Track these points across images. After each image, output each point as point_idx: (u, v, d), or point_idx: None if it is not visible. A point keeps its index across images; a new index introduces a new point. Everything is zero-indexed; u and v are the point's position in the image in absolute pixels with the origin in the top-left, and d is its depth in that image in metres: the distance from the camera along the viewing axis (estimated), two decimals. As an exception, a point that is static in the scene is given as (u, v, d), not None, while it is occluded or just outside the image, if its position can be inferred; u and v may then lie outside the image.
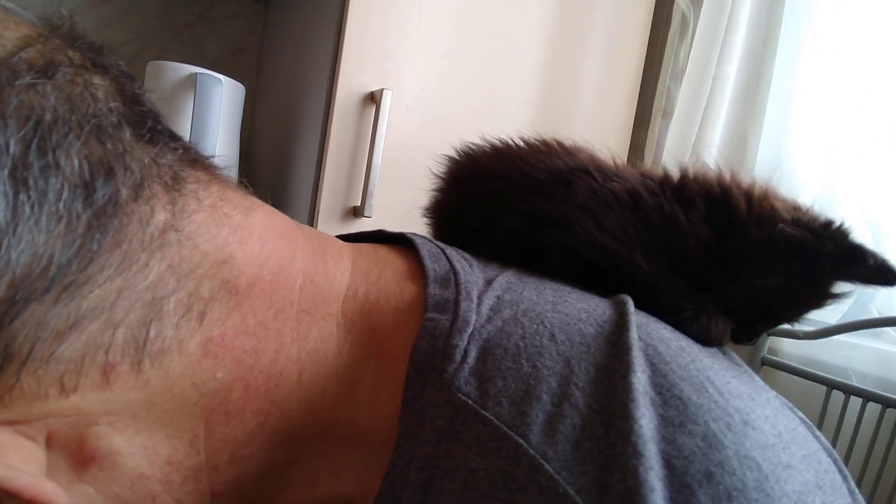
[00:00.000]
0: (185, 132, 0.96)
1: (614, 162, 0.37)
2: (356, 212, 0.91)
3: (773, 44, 0.99)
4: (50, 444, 0.22)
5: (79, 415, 0.22)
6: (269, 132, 1.27)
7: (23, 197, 0.20)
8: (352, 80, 0.89)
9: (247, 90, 1.13)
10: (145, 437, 0.23)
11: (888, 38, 0.89)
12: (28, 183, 0.20)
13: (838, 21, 0.93)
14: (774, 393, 0.29)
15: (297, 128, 1.04)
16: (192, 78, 0.97)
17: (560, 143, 0.39)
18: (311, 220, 0.92)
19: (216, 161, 0.29)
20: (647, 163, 1.14)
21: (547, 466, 0.21)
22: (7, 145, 0.19)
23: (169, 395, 0.24)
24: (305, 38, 1.08)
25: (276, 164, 1.14)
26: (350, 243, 0.33)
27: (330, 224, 0.91)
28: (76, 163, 0.21)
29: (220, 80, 0.99)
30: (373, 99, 0.90)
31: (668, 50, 1.13)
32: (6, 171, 0.19)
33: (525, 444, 0.22)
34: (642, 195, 0.33)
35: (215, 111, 0.97)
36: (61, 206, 0.20)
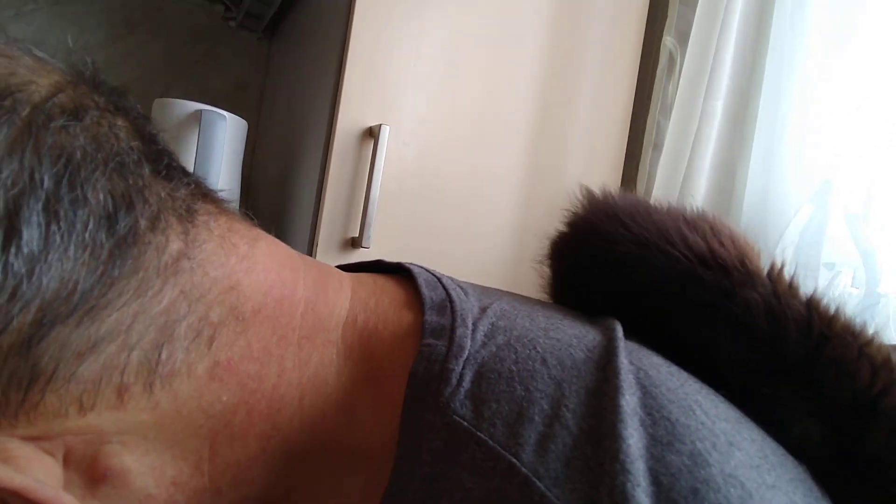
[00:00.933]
0: (189, 165, 0.98)
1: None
2: (354, 242, 0.93)
3: (758, 80, 1.02)
4: (66, 461, 0.23)
5: (94, 433, 0.23)
6: (270, 165, 1.30)
7: (54, 227, 0.21)
8: (351, 115, 0.92)
9: (249, 125, 1.16)
10: (154, 457, 0.24)
11: (867, 73, 0.93)
12: (59, 215, 0.22)
13: (822, 57, 0.97)
14: None
15: (298, 161, 1.06)
16: (197, 114, 1.00)
17: (700, 222, 0.34)
18: (311, 250, 0.93)
19: (223, 195, 0.31)
20: (640, 192, 1.16)
21: (539, 484, 0.22)
22: (42, 181, 0.21)
23: (177, 416, 0.25)
24: (306, 75, 1.12)
25: (277, 196, 1.16)
26: (350, 273, 0.34)
27: (329, 253, 0.93)
28: (101, 196, 0.23)
29: (224, 116, 1.02)
30: (371, 134, 0.93)
31: (657, 86, 1.17)
32: (40, 204, 0.21)
33: (518, 463, 0.23)
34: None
35: (219, 145, 1.00)
36: (87, 235, 0.22)
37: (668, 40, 1.15)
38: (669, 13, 1.17)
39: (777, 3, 1.00)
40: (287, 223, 1.07)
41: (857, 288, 0.93)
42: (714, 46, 1.04)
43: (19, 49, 0.25)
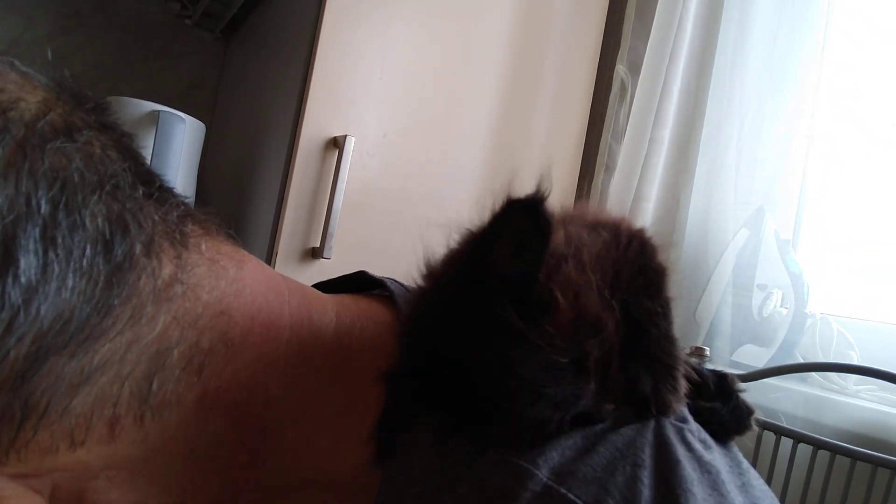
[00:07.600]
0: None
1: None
2: (315, 253, 0.93)
3: (701, 113, 1.10)
4: (52, 498, 0.22)
5: (82, 469, 0.22)
6: (224, 170, 1.27)
7: (51, 255, 0.20)
8: (316, 125, 0.92)
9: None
10: (138, 493, 0.24)
11: (797, 110, 1.02)
12: (57, 241, 0.20)
13: (757, 94, 1.05)
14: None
15: (258, 168, 1.05)
16: (154, 115, 0.97)
17: None
18: (270, 259, 0.92)
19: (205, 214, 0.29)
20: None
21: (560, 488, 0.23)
22: (39, 206, 0.20)
23: (163, 449, 0.24)
24: (269, 81, 1.11)
25: (234, 202, 1.14)
26: (332, 295, 0.34)
27: (288, 263, 0.92)
28: (98, 221, 0.22)
29: (183, 118, 1.00)
30: (335, 144, 0.93)
31: (610, 111, 1.23)
32: (38, 231, 0.20)
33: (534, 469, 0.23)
34: None
35: (176, 149, 0.97)
36: (85, 262, 0.21)
37: (620, 69, 1.22)
38: (622, 43, 1.23)
39: (719, 45, 1.08)
40: (245, 231, 1.05)
41: (786, 308, 1.01)
42: (663, 78, 1.11)
43: (2, 63, 0.23)
